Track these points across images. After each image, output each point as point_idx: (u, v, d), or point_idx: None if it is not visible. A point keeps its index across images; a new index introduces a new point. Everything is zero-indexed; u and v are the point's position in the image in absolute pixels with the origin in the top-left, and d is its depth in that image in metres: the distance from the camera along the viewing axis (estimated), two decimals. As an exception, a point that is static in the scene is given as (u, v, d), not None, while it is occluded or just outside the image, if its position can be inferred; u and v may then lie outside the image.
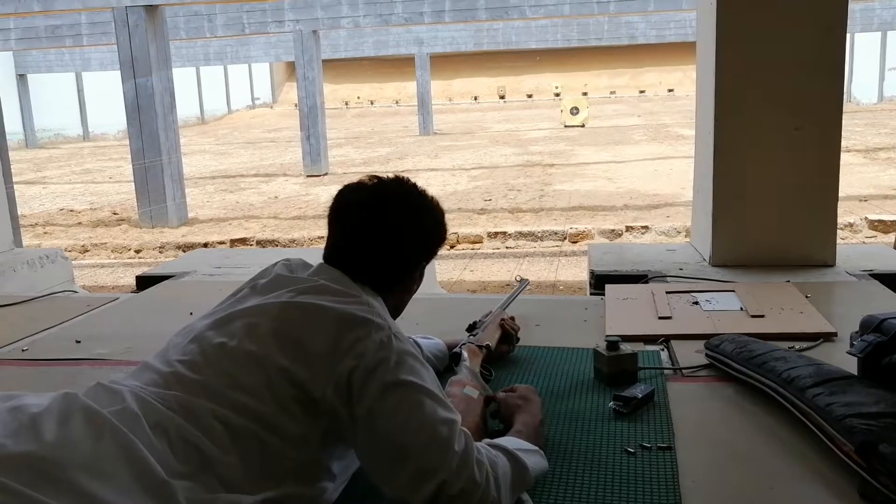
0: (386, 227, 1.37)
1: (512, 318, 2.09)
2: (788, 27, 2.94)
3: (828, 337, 2.14)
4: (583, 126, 18.97)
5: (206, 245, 7.17)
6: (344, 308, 1.24)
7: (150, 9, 8.42)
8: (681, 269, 3.08)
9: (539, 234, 6.94)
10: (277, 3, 11.80)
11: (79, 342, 2.39)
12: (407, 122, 22.86)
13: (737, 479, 1.42)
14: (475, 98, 31.89)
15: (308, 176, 12.10)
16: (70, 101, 23.25)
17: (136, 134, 8.50)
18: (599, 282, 2.97)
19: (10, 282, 3.69)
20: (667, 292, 2.63)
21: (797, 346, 2.02)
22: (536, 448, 1.36)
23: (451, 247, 6.86)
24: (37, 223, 8.79)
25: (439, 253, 1.51)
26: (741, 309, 2.42)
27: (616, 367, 1.85)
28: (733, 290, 2.63)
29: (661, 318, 2.36)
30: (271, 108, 32.43)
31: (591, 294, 3.02)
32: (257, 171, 13.09)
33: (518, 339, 2.10)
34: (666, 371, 1.95)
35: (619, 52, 28.68)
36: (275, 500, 1.12)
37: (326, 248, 1.41)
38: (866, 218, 6.70)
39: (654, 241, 6.51)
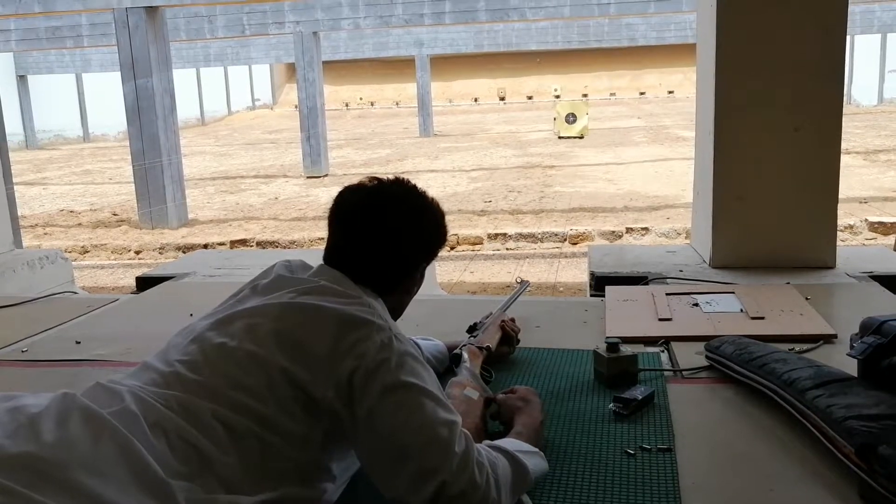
0: (386, 229, 1.37)
1: (512, 320, 2.09)
2: (788, 28, 2.94)
3: (828, 339, 2.14)
4: (581, 137, 15.88)
5: (206, 246, 7.16)
6: (345, 309, 1.24)
7: (151, 10, 8.43)
8: (681, 271, 3.08)
9: (539, 236, 6.93)
10: (278, 4, 11.81)
11: (78, 343, 2.39)
12: (407, 123, 22.87)
13: (737, 481, 1.42)
14: (475, 99, 31.89)
15: (308, 177, 12.10)
16: (70, 102, 23.24)
17: (137, 135, 8.50)
18: (599, 283, 2.96)
19: (10, 283, 3.69)
20: (667, 294, 2.63)
21: (797, 348, 2.02)
22: (536, 450, 1.36)
23: (452, 248, 6.87)
24: (37, 224, 8.79)
25: (439, 254, 1.51)
26: (741, 311, 2.42)
27: (616, 368, 1.85)
28: (733, 292, 2.63)
29: (661, 319, 2.36)
30: (271, 109, 32.44)
31: (591, 296, 3.01)
32: (257, 173, 13.09)
33: (518, 341, 2.09)
34: (666, 373, 1.95)
35: (620, 54, 28.69)
36: (274, 500, 1.12)
37: (326, 250, 1.41)
38: (866, 220, 6.70)
39: (654, 243, 6.51)
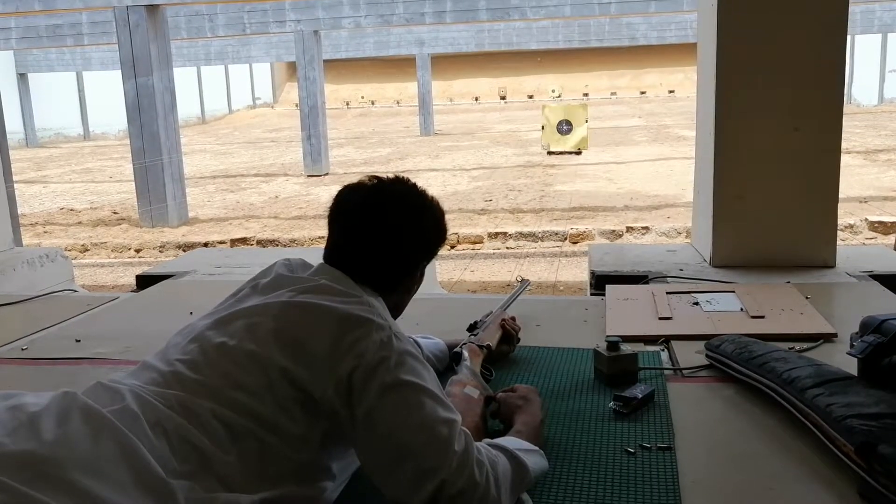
0: (386, 227, 1.37)
1: (513, 319, 2.09)
2: (789, 28, 2.94)
3: (828, 338, 2.14)
4: (578, 153, 12.49)
5: (206, 245, 7.17)
6: (345, 308, 1.24)
7: (151, 8, 8.43)
8: (681, 270, 3.08)
9: (539, 235, 6.94)
10: (279, 3, 11.81)
11: (78, 341, 2.39)
12: (408, 122, 22.87)
13: (736, 480, 1.42)
14: (476, 98, 31.87)
15: (309, 176, 12.10)
16: (71, 100, 23.24)
17: (137, 133, 8.51)
18: (600, 282, 2.96)
19: (10, 281, 3.69)
20: (667, 293, 2.63)
21: (797, 347, 2.02)
22: (536, 448, 1.36)
23: (452, 247, 6.87)
24: (37, 222, 8.79)
25: (440, 253, 1.51)
26: (741, 310, 2.42)
27: (616, 367, 1.85)
28: (733, 291, 2.63)
29: (661, 318, 2.36)
30: (272, 107, 32.43)
31: (592, 294, 3.02)
32: (258, 171, 13.09)
33: (519, 340, 2.09)
34: (666, 371, 1.95)
35: (620, 54, 28.66)
36: (274, 499, 1.12)
37: (327, 248, 1.41)
38: (866, 219, 6.70)
39: (654, 242, 6.51)
